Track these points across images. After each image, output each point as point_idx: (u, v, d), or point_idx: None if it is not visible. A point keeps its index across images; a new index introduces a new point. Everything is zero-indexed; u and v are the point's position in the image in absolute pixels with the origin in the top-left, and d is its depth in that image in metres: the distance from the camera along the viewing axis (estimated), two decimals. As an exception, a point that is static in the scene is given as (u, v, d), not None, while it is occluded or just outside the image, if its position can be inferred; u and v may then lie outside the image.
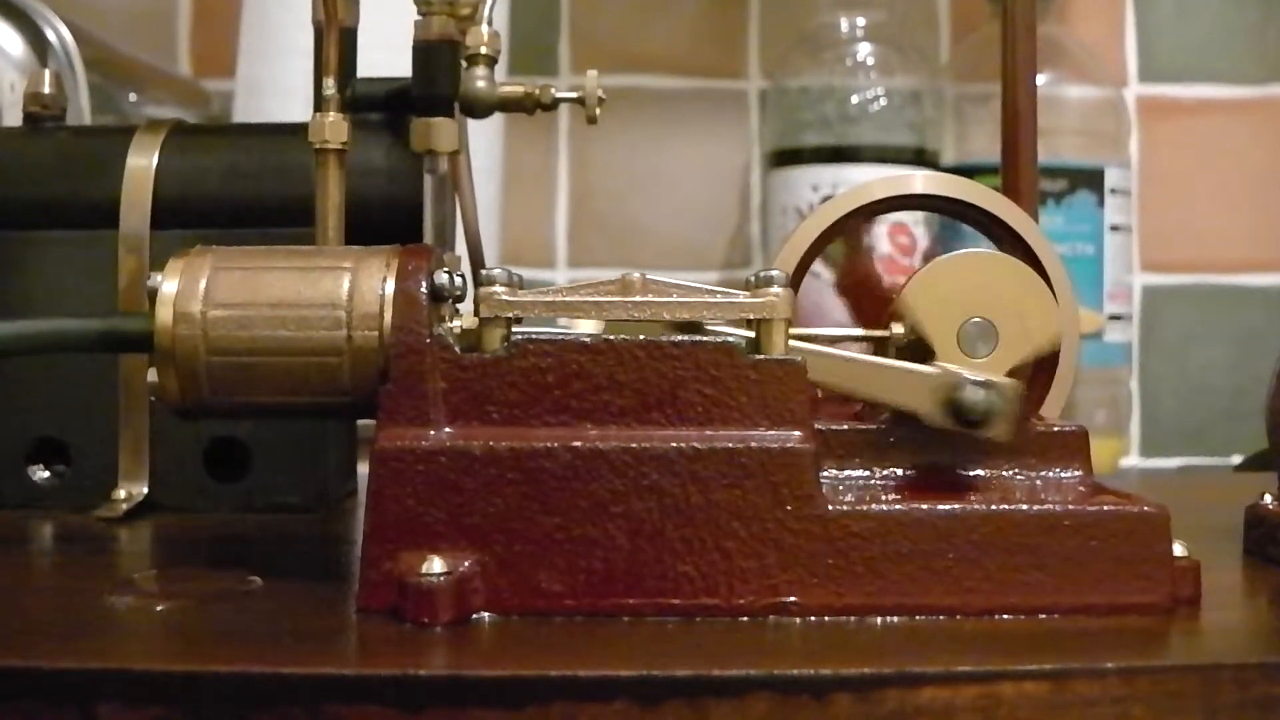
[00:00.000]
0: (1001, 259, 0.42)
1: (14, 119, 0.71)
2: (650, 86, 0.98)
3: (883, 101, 0.88)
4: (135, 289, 0.50)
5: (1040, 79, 0.87)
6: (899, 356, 0.40)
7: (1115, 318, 0.89)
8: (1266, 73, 0.99)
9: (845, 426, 0.40)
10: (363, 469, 0.56)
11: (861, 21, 0.90)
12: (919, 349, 0.40)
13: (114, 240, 0.51)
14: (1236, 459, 0.91)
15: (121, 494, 0.50)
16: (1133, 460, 0.97)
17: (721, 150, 0.99)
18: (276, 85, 0.82)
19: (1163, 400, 0.98)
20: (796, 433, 0.36)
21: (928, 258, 0.87)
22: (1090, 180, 0.88)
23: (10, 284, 0.52)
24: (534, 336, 0.37)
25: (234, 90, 0.84)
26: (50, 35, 0.74)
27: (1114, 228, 0.88)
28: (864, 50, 0.90)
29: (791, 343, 0.38)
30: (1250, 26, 0.99)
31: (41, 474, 0.52)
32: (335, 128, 0.44)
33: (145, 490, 0.51)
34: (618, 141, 0.97)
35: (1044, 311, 0.40)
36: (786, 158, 0.89)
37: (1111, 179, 0.88)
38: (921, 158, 0.88)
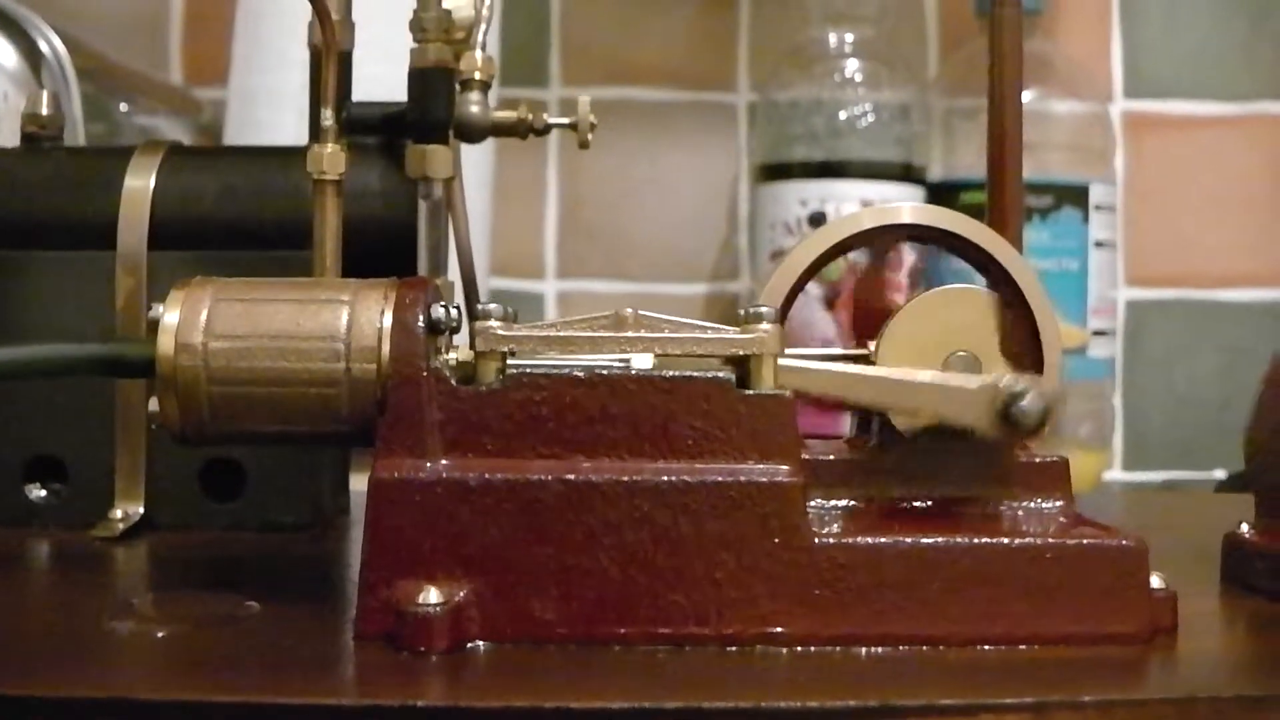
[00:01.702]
0: (979, 294, 0.42)
1: (8, 129, 0.72)
2: (640, 98, 0.99)
3: (871, 117, 0.89)
4: (132, 309, 0.51)
5: (1027, 95, 0.88)
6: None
7: (1099, 333, 0.90)
8: (1253, 88, 1.00)
9: (833, 456, 0.41)
10: (356, 485, 0.56)
11: (850, 37, 0.91)
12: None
13: (111, 260, 0.52)
14: (1220, 473, 0.92)
15: (118, 513, 0.51)
16: (1116, 474, 0.98)
17: (711, 162, 1.00)
18: (269, 95, 0.83)
19: (1147, 414, 0.99)
20: (785, 466, 0.37)
21: (914, 274, 0.88)
22: (1075, 196, 0.89)
23: (8, 303, 0.52)
24: (529, 370, 0.37)
25: (226, 98, 0.85)
26: (43, 46, 0.75)
27: (1099, 243, 0.89)
28: (852, 65, 0.91)
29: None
30: (1237, 42, 1.00)
31: (38, 492, 0.52)
32: (333, 159, 0.44)
33: (141, 510, 0.51)
34: (608, 153, 0.98)
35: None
36: (775, 172, 0.90)
37: (1096, 195, 0.89)
38: (909, 172, 0.89)
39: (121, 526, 0.51)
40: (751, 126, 0.98)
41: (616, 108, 0.98)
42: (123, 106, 0.85)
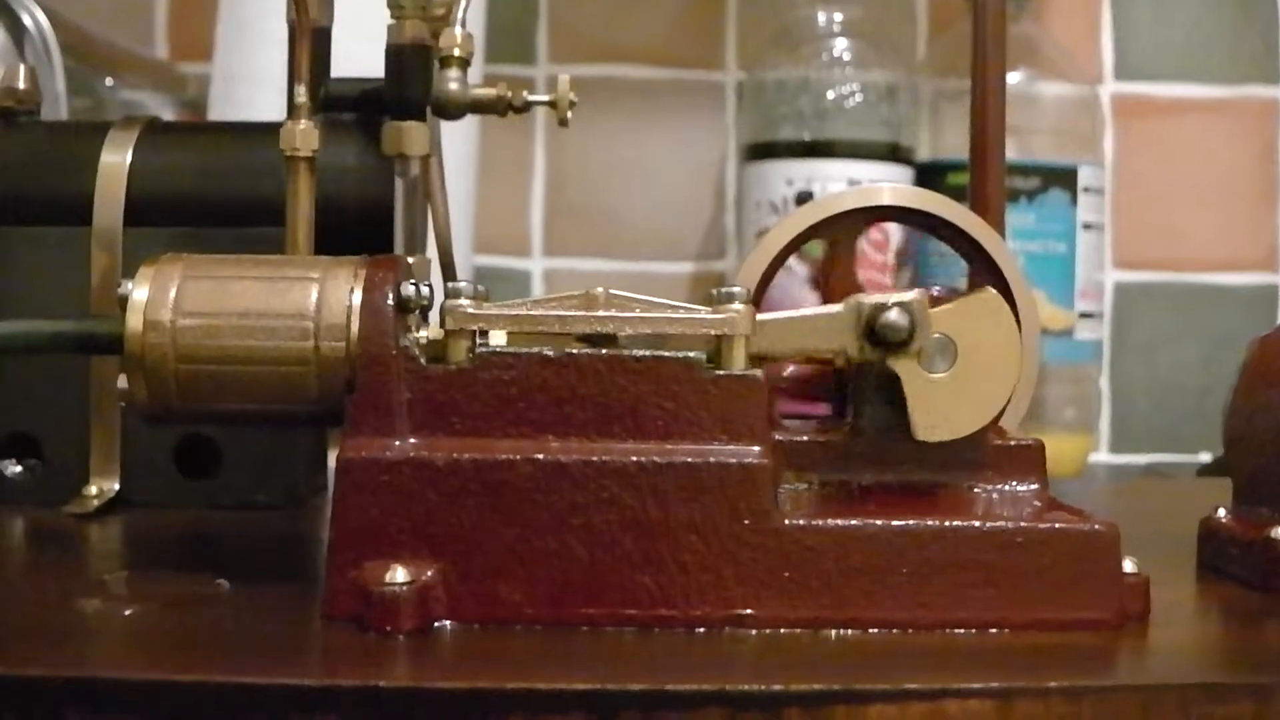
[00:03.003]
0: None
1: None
2: (628, 77, 0.99)
3: (858, 97, 0.89)
4: (108, 286, 0.51)
5: (1015, 77, 0.88)
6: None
7: (1086, 316, 0.90)
8: (1242, 73, 1.00)
9: (805, 438, 0.41)
10: (332, 463, 0.56)
11: (839, 16, 0.91)
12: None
13: (87, 237, 0.51)
14: (1205, 456, 0.92)
15: (93, 490, 0.51)
16: (1102, 456, 0.98)
17: (698, 142, 0.99)
18: (252, 73, 0.83)
19: (1133, 397, 0.99)
20: (755, 448, 0.37)
21: (901, 254, 0.88)
22: (1063, 179, 0.88)
23: (-17, 279, 0.52)
24: (498, 349, 0.37)
25: (211, 75, 0.84)
26: (27, 21, 0.74)
27: (1086, 226, 0.89)
28: (840, 45, 0.90)
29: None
30: (1227, 26, 1.00)
31: (13, 468, 0.52)
32: (306, 135, 0.44)
33: (116, 487, 0.51)
34: (594, 131, 0.97)
35: (1006, 362, 0.40)
36: (762, 151, 0.90)
37: (1084, 178, 0.89)
38: (896, 153, 0.89)
39: (96, 503, 0.50)
40: (739, 105, 0.98)
41: (604, 86, 0.98)
42: (107, 82, 0.84)
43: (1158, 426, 0.99)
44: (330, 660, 0.35)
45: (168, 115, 0.92)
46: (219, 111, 0.85)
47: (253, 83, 0.82)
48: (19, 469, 0.52)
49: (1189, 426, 0.97)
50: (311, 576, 0.42)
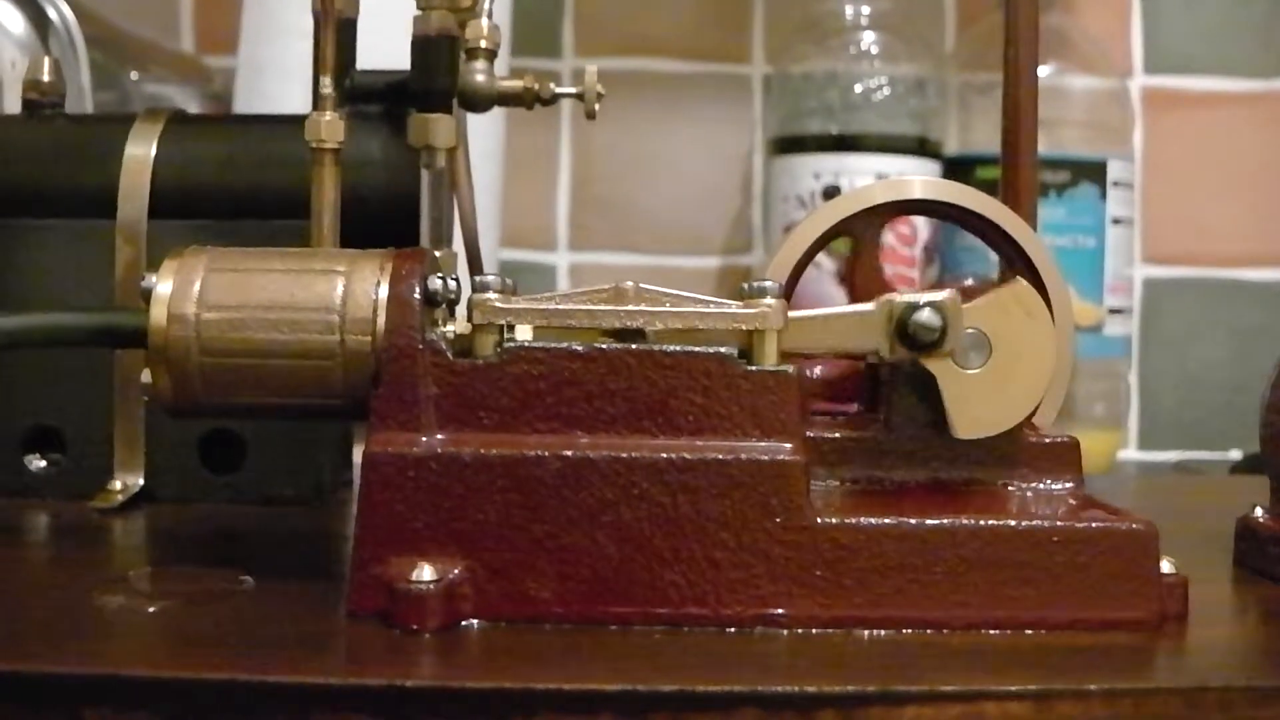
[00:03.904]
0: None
1: (15, 96, 0.71)
2: (654, 70, 0.98)
3: (886, 90, 0.88)
4: (132, 278, 0.50)
5: (1045, 70, 0.88)
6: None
7: (1115, 311, 0.89)
8: (1273, 66, 0.99)
9: (838, 434, 0.40)
10: (358, 458, 0.56)
11: (866, 10, 0.90)
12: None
13: (111, 229, 0.51)
14: (1235, 453, 0.91)
15: (117, 485, 0.51)
16: (1131, 453, 0.97)
17: (724, 135, 0.99)
18: (277, 66, 0.82)
19: (1162, 393, 0.98)
20: (787, 444, 0.36)
21: (928, 249, 0.87)
22: (1093, 173, 0.87)
23: (7, 272, 0.52)
24: (526, 344, 0.37)
25: (236, 67, 0.84)
26: (52, 13, 0.74)
27: (1116, 220, 0.88)
28: (868, 38, 0.90)
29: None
30: (1258, 19, 0.99)
31: (38, 463, 0.52)
32: (331, 127, 0.44)
33: (141, 481, 0.51)
34: (620, 125, 0.97)
35: (1042, 354, 0.39)
36: (789, 145, 0.89)
37: (1114, 171, 0.88)
38: (924, 147, 0.88)
39: (120, 498, 0.50)
40: (766, 98, 0.97)
41: (630, 79, 0.97)
42: (133, 75, 0.84)
43: (1187, 422, 0.98)
44: (355, 658, 0.34)
45: (193, 108, 0.92)
46: (244, 104, 0.85)
47: (278, 75, 0.82)
48: (43, 463, 0.52)
49: (1219, 423, 0.97)
50: (336, 572, 0.41)
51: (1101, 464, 0.88)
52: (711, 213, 0.99)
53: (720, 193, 0.99)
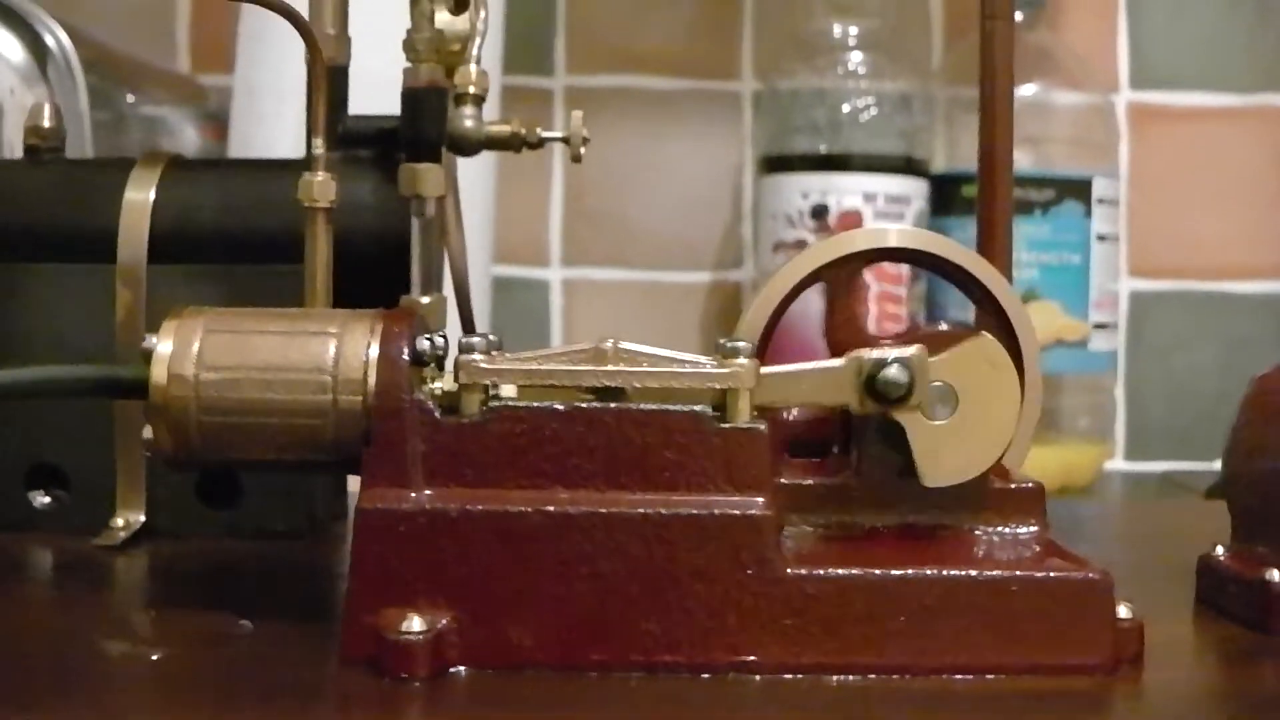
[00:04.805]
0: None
1: (12, 125, 0.73)
2: (645, 86, 1.00)
3: (874, 109, 0.89)
4: (132, 322, 0.52)
5: (1030, 87, 0.89)
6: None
7: (1100, 326, 0.90)
8: (1258, 81, 1.00)
9: (810, 481, 0.42)
10: (353, 489, 0.57)
11: (855, 29, 0.91)
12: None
13: (111, 273, 0.52)
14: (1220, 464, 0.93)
15: (119, 522, 0.52)
16: (1118, 464, 0.99)
17: (715, 151, 1.00)
18: (274, 86, 0.84)
19: (1149, 404, 1.00)
20: (759, 499, 0.38)
21: (914, 272, 0.88)
22: (1078, 190, 0.89)
23: (7, 315, 0.53)
24: (509, 403, 0.38)
25: (233, 87, 0.86)
26: (49, 40, 0.76)
27: (1101, 237, 0.90)
28: (856, 58, 0.91)
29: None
30: (1243, 34, 1.00)
31: (41, 499, 0.53)
32: (324, 187, 0.45)
33: (143, 518, 0.52)
34: (612, 140, 0.98)
35: (1007, 403, 0.41)
36: (777, 164, 0.91)
37: (1099, 189, 0.89)
38: (911, 165, 0.90)
39: (123, 535, 0.52)
40: (756, 115, 0.99)
41: (622, 95, 0.99)
42: (129, 97, 0.85)
43: (1174, 434, 0.99)
44: (347, 706, 0.36)
45: (189, 128, 0.93)
46: (241, 124, 0.86)
47: (275, 95, 0.84)
48: (47, 500, 0.53)
49: (1205, 433, 0.98)
50: (331, 613, 0.43)
51: (1087, 476, 0.89)
52: (703, 228, 1.00)
53: (711, 208, 1.00)
